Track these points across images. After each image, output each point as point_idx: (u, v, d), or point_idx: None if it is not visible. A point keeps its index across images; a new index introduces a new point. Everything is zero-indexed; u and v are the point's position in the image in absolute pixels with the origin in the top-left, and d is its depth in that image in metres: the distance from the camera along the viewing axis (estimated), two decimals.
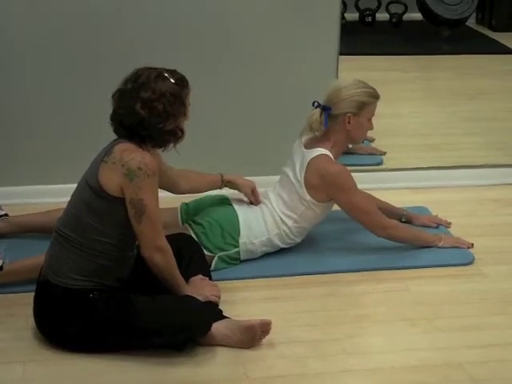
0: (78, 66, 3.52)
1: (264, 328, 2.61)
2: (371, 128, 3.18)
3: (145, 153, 2.53)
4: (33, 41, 3.48)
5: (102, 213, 2.53)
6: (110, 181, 2.50)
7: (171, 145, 2.62)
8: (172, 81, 2.54)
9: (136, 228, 2.54)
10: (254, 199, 3.20)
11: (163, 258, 2.57)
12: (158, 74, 2.55)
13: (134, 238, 2.60)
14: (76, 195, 2.61)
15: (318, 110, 3.10)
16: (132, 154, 2.49)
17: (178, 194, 3.13)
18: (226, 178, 3.21)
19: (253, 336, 2.60)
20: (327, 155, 3.10)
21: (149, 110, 2.51)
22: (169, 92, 2.53)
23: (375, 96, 3.11)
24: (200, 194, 3.32)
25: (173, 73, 2.58)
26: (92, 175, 2.55)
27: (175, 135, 2.59)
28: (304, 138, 3.19)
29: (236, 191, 3.25)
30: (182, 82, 2.58)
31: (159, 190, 2.67)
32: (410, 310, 2.88)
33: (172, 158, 3.00)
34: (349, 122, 3.09)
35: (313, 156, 3.10)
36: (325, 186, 3.09)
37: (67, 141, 3.64)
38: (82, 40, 3.50)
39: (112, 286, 2.59)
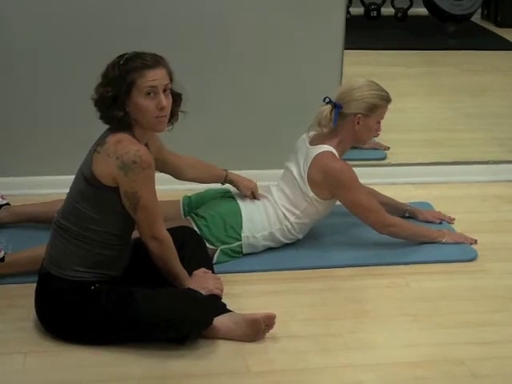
0: (78, 61, 3.51)
1: (268, 322, 2.61)
2: (379, 131, 3.17)
3: (140, 145, 2.51)
4: (34, 32, 3.48)
5: (97, 203, 2.53)
6: (104, 171, 2.49)
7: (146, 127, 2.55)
8: (120, 62, 2.49)
9: (133, 217, 2.54)
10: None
11: (158, 247, 2.57)
12: (119, 55, 2.51)
13: (133, 227, 2.60)
14: (73, 187, 2.61)
15: (329, 106, 3.09)
16: (127, 147, 2.47)
17: (182, 180, 3.13)
18: (229, 176, 3.20)
19: (257, 329, 2.60)
20: (331, 152, 3.10)
21: (97, 93, 2.51)
22: (110, 72, 2.48)
23: (387, 100, 3.10)
24: (202, 187, 3.33)
25: (134, 54, 2.50)
26: (86, 166, 2.55)
27: (121, 116, 2.51)
28: (310, 134, 3.19)
29: None
30: (131, 63, 2.47)
31: (161, 182, 2.67)
32: (411, 306, 2.88)
33: (177, 149, 3.04)
34: (358, 123, 3.08)
35: (317, 152, 3.10)
36: (327, 182, 3.09)
37: (69, 132, 3.63)
38: (84, 35, 3.50)
39: (114, 277, 2.59)
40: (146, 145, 2.63)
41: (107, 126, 2.59)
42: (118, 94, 2.48)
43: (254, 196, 3.20)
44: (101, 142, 2.54)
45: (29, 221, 3.26)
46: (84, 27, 3.50)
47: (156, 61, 2.50)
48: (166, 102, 2.51)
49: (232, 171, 3.23)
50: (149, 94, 2.48)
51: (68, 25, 3.49)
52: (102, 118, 2.55)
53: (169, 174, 3.06)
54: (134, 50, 2.54)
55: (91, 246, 2.54)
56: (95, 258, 2.55)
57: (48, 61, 3.54)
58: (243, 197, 3.21)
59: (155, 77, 2.48)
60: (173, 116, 2.62)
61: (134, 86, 2.47)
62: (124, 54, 2.52)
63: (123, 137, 2.52)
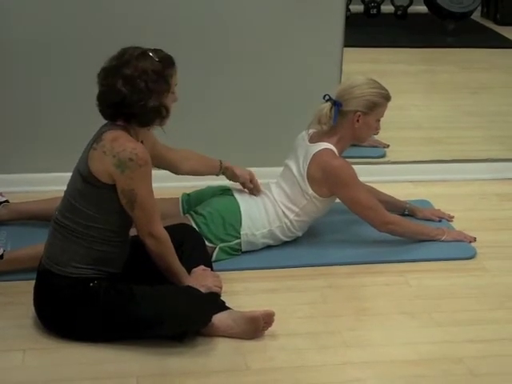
0: (78, 60, 3.51)
1: (267, 319, 2.61)
2: (378, 129, 3.17)
3: (136, 143, 2.52)
4: (34, 30, 3.48)
5: (94, 200, 2.53)
6: (100, 168, 2.49)
7: (157, 123, 2.58)
8: (156, 59, 2.52)
9: (130, 215, 2.54)
10: (252, 188, 3.19)
11: (156, 244, 2.57)
12: (142, 52, 2.53)
13: (131, 223, 2.61)
14: (71, 184, 2.61)
15: (329, 104, 3.09)
16: (123, 145, 2.48)
17: (178, 174, 3.13)
18: (224, 164, 3.20)
19: (256, 327, 2.60)
20: (331, 149, 3.10)
21: (130, 87, 2.48)
22: (151, 69, 2.50)
23: (387, 98, 3.10)
24: (201, 184, 3.33)
25: (157, 51, 2.55)
26: (82, 163, 2.55)
27: (159, 113, 2.54)
28: (310, 132, 3.19)
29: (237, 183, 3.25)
30: (165, 60, 2.54)
31: (160, 179, 2.67)
32: (410, 304, 2.88)
33: (177, 146, 3.04)
34: (357, 121, 3.08)
35: (317, 150, 3.10)
36: (326, 180, 3.09)
37: (69, 129, 3.63)
38: (84, 35, 3.50)
39: (113, 274, 2.59)
40: (142, 142, 2.63)
41: (105, 122, 2.59)
42: (154, 88, 2.51)
43: (252, 182, 3.20)
44: (97, 138, 2.54)
45: (29, 218, 3.25)
46: (84, 27, 3.50)
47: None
48: None
49: None
50: (173, 91, 2.57)
51: (68, 24, 3.49)
52: (147, 111, 2.53)
53: (165, 169, 3.06)
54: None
55: (90, 243, 2.54)
56: (95, 255, 2.55)
57: (48, 59, 3.53)
58: (242, 194, 3.21)
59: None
60: None
61: (167, 84, 2.53)
62: (135, 48, 2.54)
63: (119, 134, 2.52)
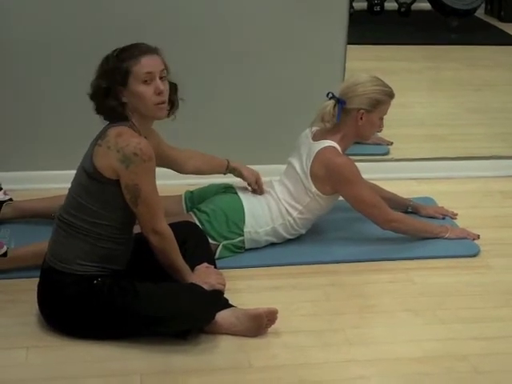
0: (79, 59, 3.49)
1: (270, 316, 2.61)
2: (382, 127, 3.17)
3: (140, 138, 2.52)
4: (36, 30, 3.48)
5: (99, 196, 2.53)
6: (105, 164, 2.50)
7: (136, 114, 2.55)
8: (114, 54, 2.53)
9: (134, 211, 2.54)
10: (257, 189, 3.20)
11: (160, 241, 2.57)
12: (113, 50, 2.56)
13: (134, 221, 2.61)
14: (75, 181, 2.61)
15: (332, 101, 3.09)
16: (127, 140, 2.48)
17: (183, 173, 3.14)
18: (231, 164, 3.20)
19: (259, 324, 2.60)
20: (334, 147, 3.10)
21: (92, 90, 2.55)
22: (105, 65, 2.52)
23: (390, 95, 3.10)
24: (205, 182, 3.32)
25: (128, 46, 2.54)
26: (87, 160, 2.55)
27: (119, 106, 2.53)
28: (313, 129, 3.18)
29: (240, 180, 3.25)
30: (125, 53, 2.52)
31: (163, 177, 2.67)
32: (414, 301, 2.87)
33: (179, 145, 3.04)
34: (361, 118, 3.08)
35: (320, 148, 3.09)
36: (330, 177, 3.09)
37: (69, 129, 3.63)
38: (85, 35, 3.50)
39: (117, 271, 2.59)
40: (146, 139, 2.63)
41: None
42: (112, 85, 2.50)
43: (257, 183, 3.20)
44: (102, 135, 2.55)
45: (32, 216, 3.26)
46: (84, 27, 3.50)
47: (150, 48, 2.54)
48: (163, 87, 2.53)
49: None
50: (145, 80, 2.50)
51: (68, 24, 3.49)
52: (97, 110, 2.57)
53: (170, 168, 3.06)
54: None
55: (95, 240, 2.55)
56: (100, 252, 2.55)
57: (48, 59, 3.53)
58: (246, 192, 3.21)
59: (150, 63, 2.51)
60: (173, 105, 2.63)
61: (130, 75, 2.50)
62: (117, 48, 2.55)
63: (124, 130, 2.53)
